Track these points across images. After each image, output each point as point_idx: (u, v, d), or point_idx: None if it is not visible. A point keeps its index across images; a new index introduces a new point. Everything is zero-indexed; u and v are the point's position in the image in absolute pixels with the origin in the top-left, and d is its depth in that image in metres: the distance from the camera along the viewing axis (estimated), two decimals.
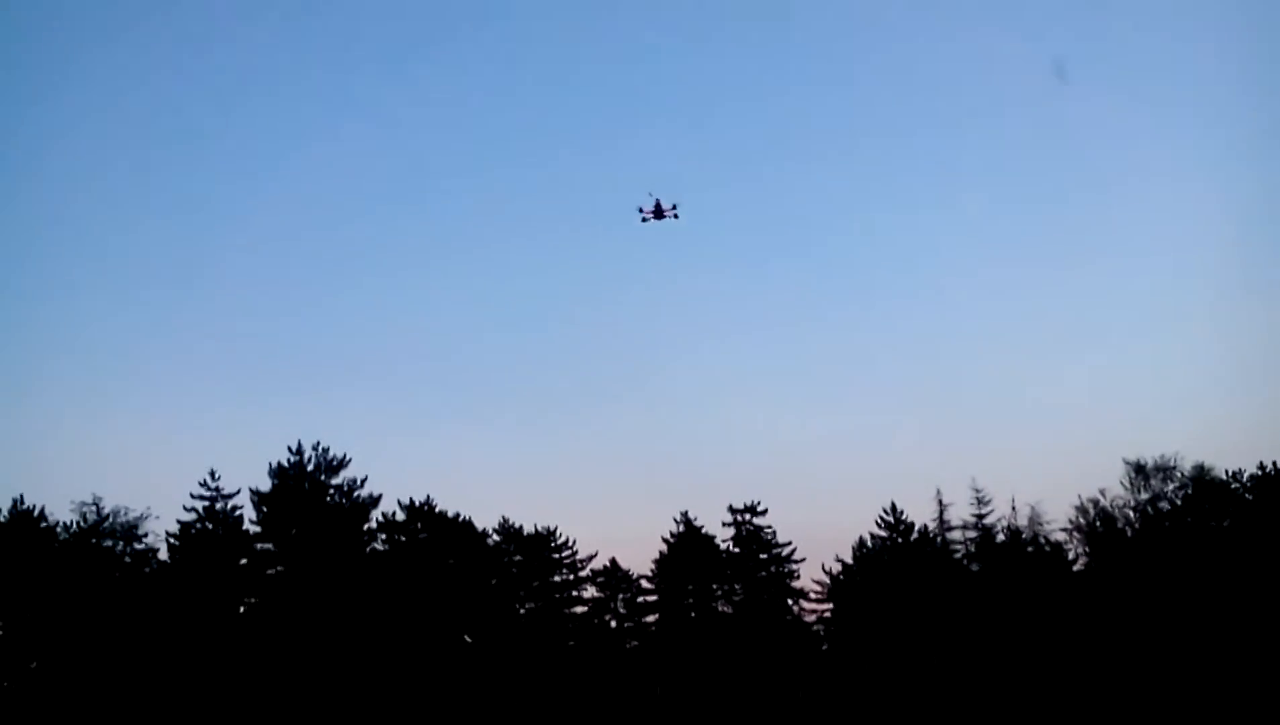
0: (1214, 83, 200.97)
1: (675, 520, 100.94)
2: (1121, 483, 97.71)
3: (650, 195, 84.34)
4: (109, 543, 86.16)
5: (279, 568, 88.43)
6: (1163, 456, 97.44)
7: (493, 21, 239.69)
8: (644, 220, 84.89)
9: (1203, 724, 78.13)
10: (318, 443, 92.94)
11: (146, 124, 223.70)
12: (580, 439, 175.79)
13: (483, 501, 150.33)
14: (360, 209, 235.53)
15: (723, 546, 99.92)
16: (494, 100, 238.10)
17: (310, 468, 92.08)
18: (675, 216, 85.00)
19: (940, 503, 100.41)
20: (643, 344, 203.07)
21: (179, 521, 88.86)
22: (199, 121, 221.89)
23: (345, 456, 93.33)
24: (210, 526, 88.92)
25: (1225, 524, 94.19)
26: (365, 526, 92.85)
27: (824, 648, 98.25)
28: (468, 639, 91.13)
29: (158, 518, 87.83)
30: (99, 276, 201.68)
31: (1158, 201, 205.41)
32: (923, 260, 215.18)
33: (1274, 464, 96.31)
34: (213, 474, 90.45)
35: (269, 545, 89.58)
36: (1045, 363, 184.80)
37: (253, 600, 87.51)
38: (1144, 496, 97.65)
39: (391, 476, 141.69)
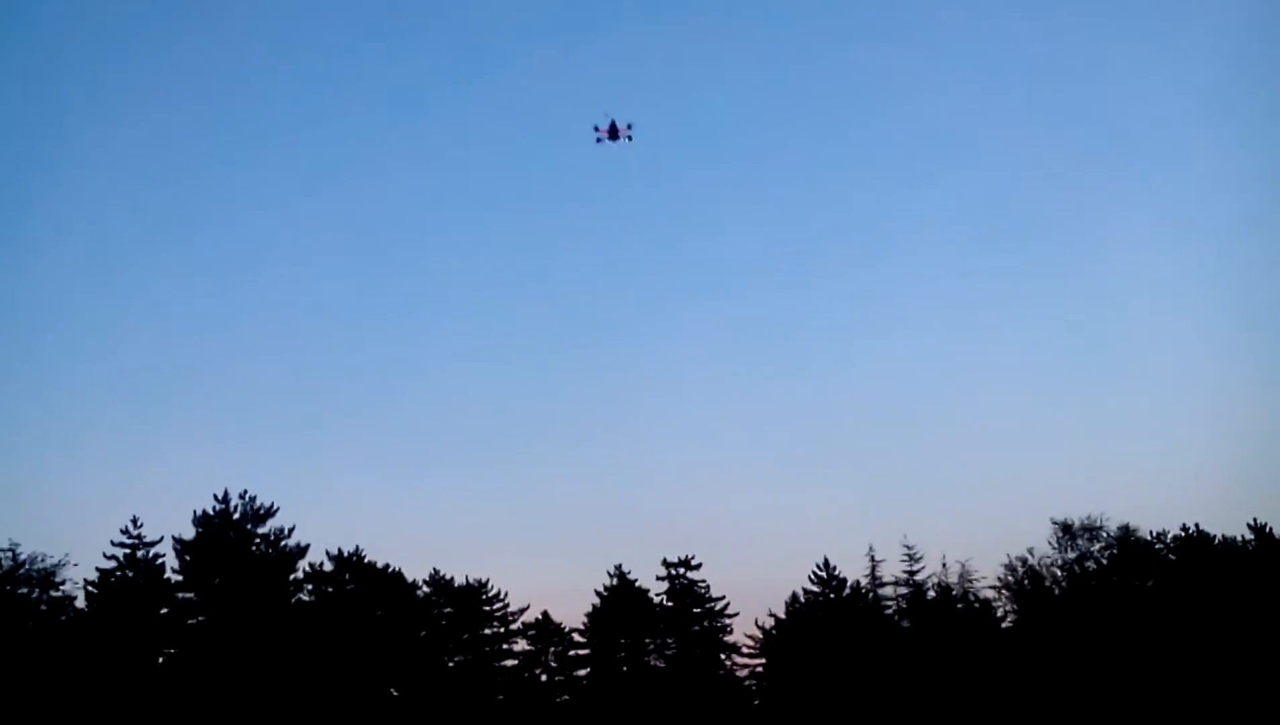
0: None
1: (609, 574, 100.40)
2: (1049, 542, 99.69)
3: (606, 115, 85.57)
4: (24, 590, 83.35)
5: (201, 617, 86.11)
6: (1089, 517, 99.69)
7: None
8: (599, 140, 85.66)
9: None
10: (244, 491, 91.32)
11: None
12: (514, 491, 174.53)
13: (415, 553, 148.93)
14: (297, 258, 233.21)
15: (656, 600, 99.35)
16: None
17: (236, 516, 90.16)
18: (629, 138, 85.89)
19: (872, 559, 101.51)
20: (578, 399, 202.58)
21: (98, 569, 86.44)
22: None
23: (273, 505, 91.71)
24: (131, 574, 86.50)
25: (1150, 584, 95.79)
26: (292, 576, 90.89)
27: (756, 703, 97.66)
28: (394, 692, 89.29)
29: (76, 565, 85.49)
30: (16, 317, 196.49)
31: (1084, 265, 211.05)
32: (858, 323, 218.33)
33: (1196, 526, 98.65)
34: (134, 521, 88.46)
35: (191, 594, 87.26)
36: (975, 422, 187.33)
37: (173, 650, 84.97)
38: (1071, 555, 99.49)
39: (321, 526, 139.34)
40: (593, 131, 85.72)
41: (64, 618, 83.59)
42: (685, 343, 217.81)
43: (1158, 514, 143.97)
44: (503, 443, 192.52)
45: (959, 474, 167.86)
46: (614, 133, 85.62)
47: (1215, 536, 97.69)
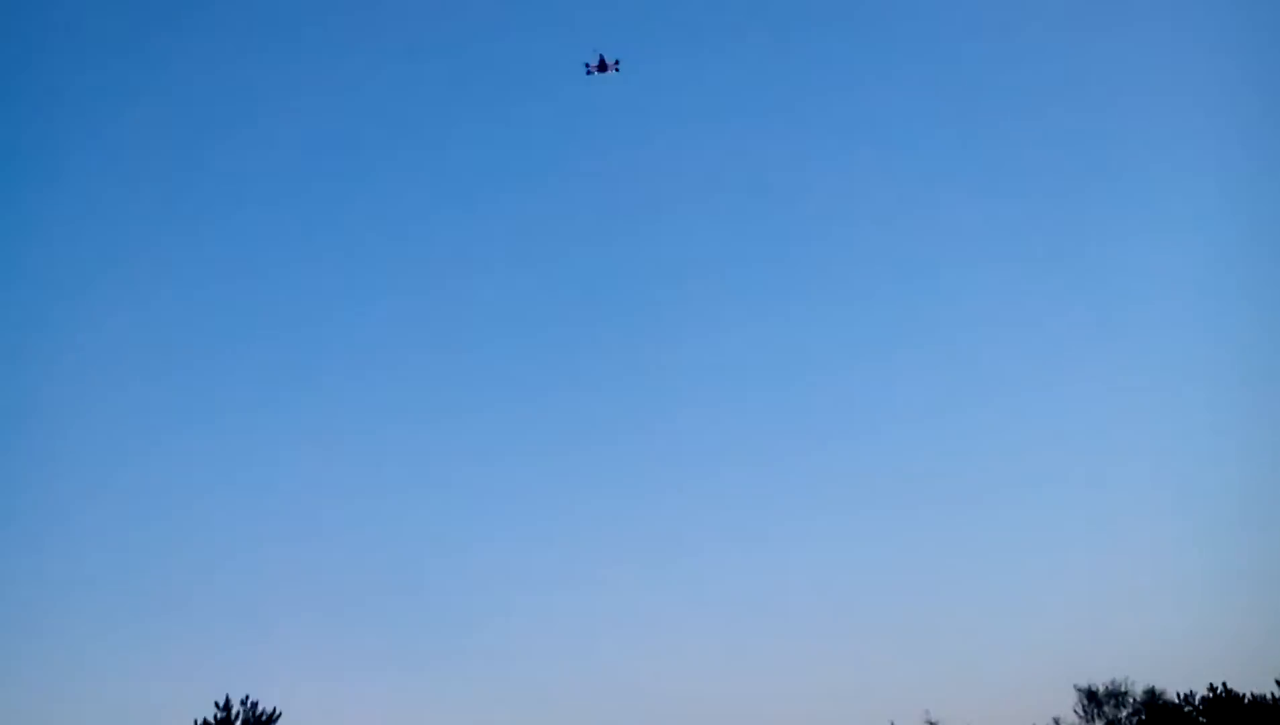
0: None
1: None
2: (1075, 710, 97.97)
3: (595, 51, 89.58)
4: None
5: None
6: (1114, 681, 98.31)
7: None
8: (589, 73, 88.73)
9: None
10: (246, 696, 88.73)
11: None
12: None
13: None
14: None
15: None
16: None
17: (238, 723, 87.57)
18: (617, 70, 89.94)
19: None
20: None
21: None
22: None
23: (275, 711, 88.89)
24: None
25: None
26: None
27: None
28: None
29: None
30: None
31: (1095, 424, 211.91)
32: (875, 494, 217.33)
33: (1223, 685, 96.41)
34: None
35: None
36: (992, 591, 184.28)
37: None
38: (1099, 723, 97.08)
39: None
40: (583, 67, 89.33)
41: None
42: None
43: (1184, 675, 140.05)
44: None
45: (979, 644, 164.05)
46: (603, 66, 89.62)
47: (1244, 695, 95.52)
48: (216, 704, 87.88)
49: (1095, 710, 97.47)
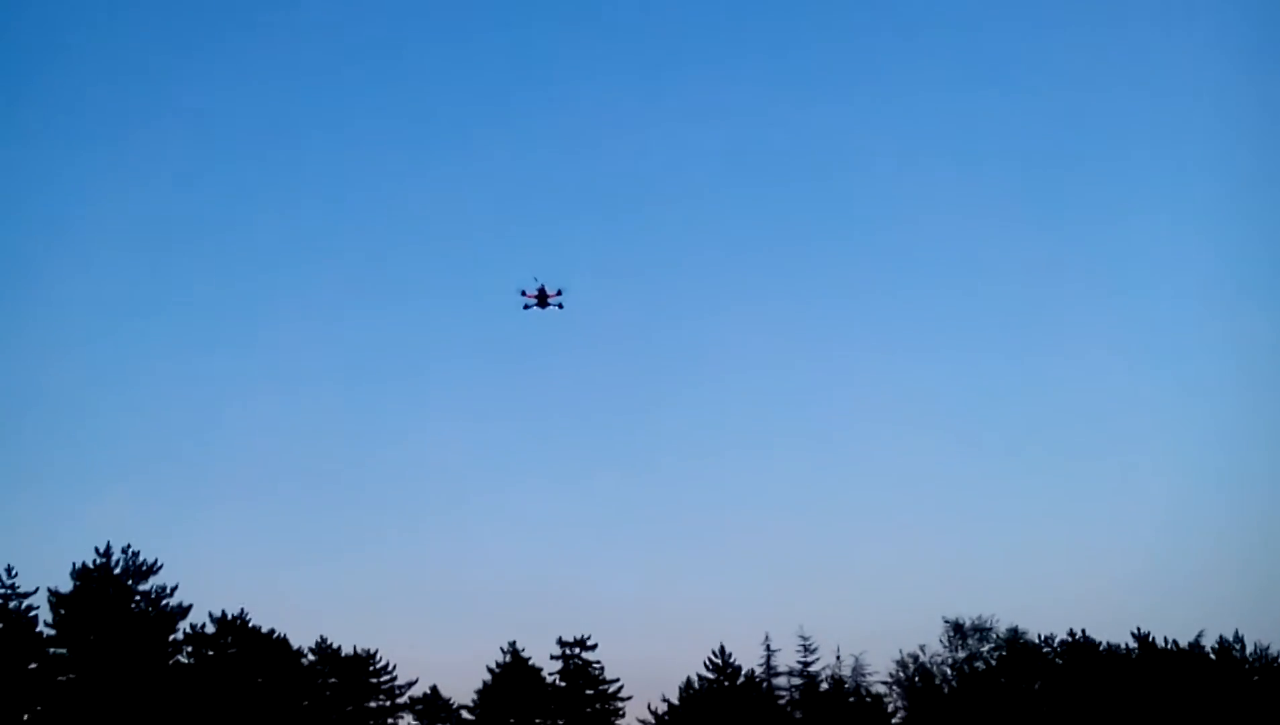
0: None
1: (502, 650, 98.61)
2: (941, 640, 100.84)
3: (535, 279, 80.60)
4: None
5: (72, 675, 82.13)
6: (980, 617, 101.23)
7: None
8: (526, 306, 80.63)
9: None
10: (127, 546, 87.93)
11: None
12: (407, 561, 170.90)
13: (301, 620, 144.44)
14: (189, 302, 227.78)
15: (549, 679, 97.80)
16: None
17: (117, 571, 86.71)
18: (559, 306, 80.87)
19: (768, 648, 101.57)
20: (470, 468, 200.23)
21: None
22: None
23: (156, 562, 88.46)
24: (0, 625, 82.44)
25: (1036, 686, 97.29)
26: (171, 637, 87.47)
27: None
28: None
29: None
30: None
31: (969, 369, 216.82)
32: (765, 406, 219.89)
33: (1083, 632, 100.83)
34: (9, 570, 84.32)
35: (63, 650, 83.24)
36: (875, 516, 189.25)
37: (39, 708, 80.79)
38: (961, 655, 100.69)
39: (204, 588, 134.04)
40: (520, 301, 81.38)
41: None
42: (586, 418, 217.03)
43: (1047, 617, 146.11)
44: (395, 510, 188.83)
45: (856, 567, 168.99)
46: (543, 299, 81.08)
47: (1101, 643, 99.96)
48: (96, 549, 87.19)
49: (960, 642, 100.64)
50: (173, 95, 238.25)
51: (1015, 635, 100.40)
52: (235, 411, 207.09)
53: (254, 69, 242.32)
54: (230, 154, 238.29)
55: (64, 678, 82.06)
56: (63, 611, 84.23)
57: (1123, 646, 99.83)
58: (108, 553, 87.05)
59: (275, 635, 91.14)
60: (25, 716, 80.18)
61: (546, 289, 79.62)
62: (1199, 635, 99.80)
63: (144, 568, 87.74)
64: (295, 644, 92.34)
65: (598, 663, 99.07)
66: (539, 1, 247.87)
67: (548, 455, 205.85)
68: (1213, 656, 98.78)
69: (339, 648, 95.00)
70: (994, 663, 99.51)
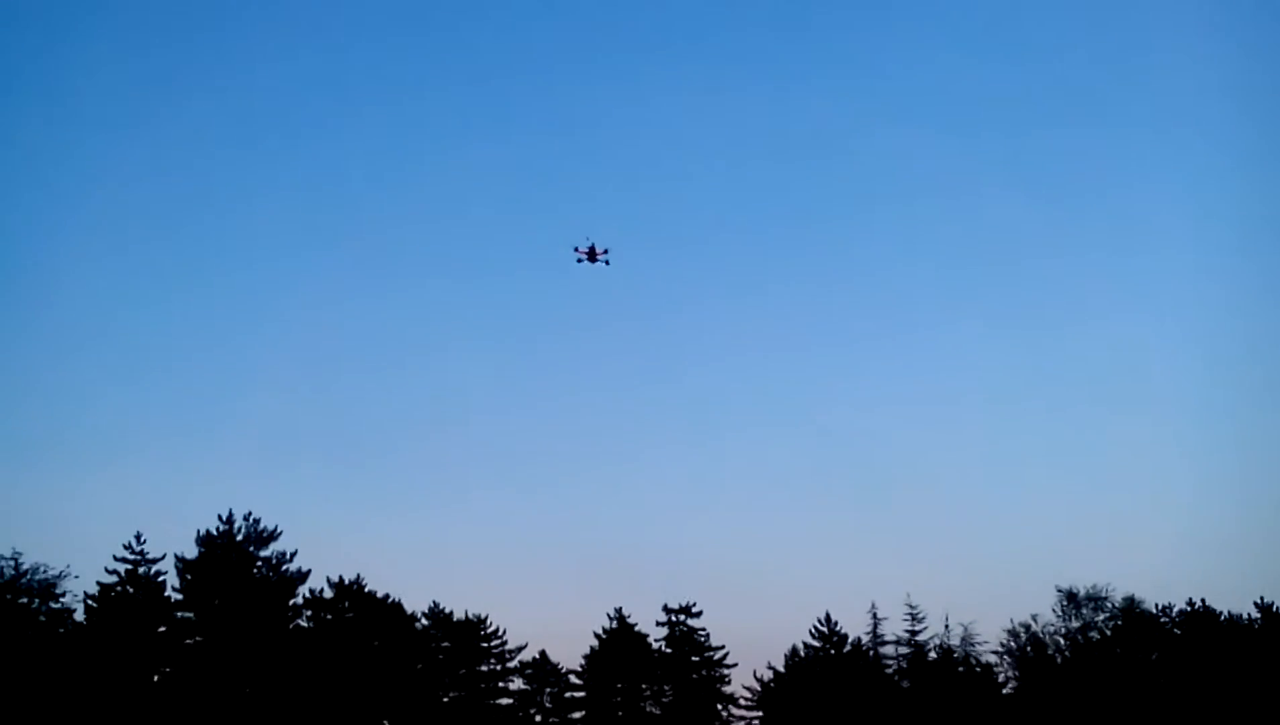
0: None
1: (609, 616, 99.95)
2: (1054, 610, 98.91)
3: (586, 238, 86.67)
4: (25, 599, 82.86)
5: (199, 638, 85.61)
6: (1095, 586, 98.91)
7: None
8: (579, 260, 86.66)
9: None
10: (249, 513, 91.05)
11: None
12: (517, 528, 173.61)
13: (416, 585, 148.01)
14: (290, 282, 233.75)
15: (655, 646, 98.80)
16: None
17: (239, 538, 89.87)
18: (606, 262, 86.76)
19: (874, 617, 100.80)
20: (584, 437, 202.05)
21: (99, 583, 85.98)
22: None
23: (276, 528, 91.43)
24: (131, 590, 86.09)
25: (1153, 658, 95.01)
26: (291, 602, 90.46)
27: None
28: (387, 724, 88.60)
29: (77, 577, 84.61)
30: (28, 327, 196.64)
31: (1102, 328, 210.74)
32: (875, 376, 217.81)
33: (1202, 601, 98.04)
34: (138, 537, 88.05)
35: (190, 614, 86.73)
36: (985, 484, 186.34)
37: (169, 669, 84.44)
38: (1075, 624, 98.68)
39: (323, 553, 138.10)
40: (573, 252, 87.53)
41: (62, 629, 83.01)
42: (694, 388, 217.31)
43: (1165, 587, 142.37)
44: (503, 477, 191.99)
45: (967, 536, 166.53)
46: (592, 255, 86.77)
47: (1221, 613, 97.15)
48: (219, 517, 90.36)
49: (1074, 611, 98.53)
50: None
51: (1132, 604, 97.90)
52: (342, 376, 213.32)
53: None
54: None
55: (191, 640, 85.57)
56: (189, 577, 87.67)
57: (1245, 617, 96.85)
58: (230, 520, 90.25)
59: (390, 600, 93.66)
60: (155, 677, 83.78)
61: (596, 247, 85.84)
62: None
63: (264, 534, 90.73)
64: (409, 609, 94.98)
65: (703, 630, 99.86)
66: None
67: (665, 425, 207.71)
68: None
69: (451, 613, 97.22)
70: (1109, 633, 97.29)
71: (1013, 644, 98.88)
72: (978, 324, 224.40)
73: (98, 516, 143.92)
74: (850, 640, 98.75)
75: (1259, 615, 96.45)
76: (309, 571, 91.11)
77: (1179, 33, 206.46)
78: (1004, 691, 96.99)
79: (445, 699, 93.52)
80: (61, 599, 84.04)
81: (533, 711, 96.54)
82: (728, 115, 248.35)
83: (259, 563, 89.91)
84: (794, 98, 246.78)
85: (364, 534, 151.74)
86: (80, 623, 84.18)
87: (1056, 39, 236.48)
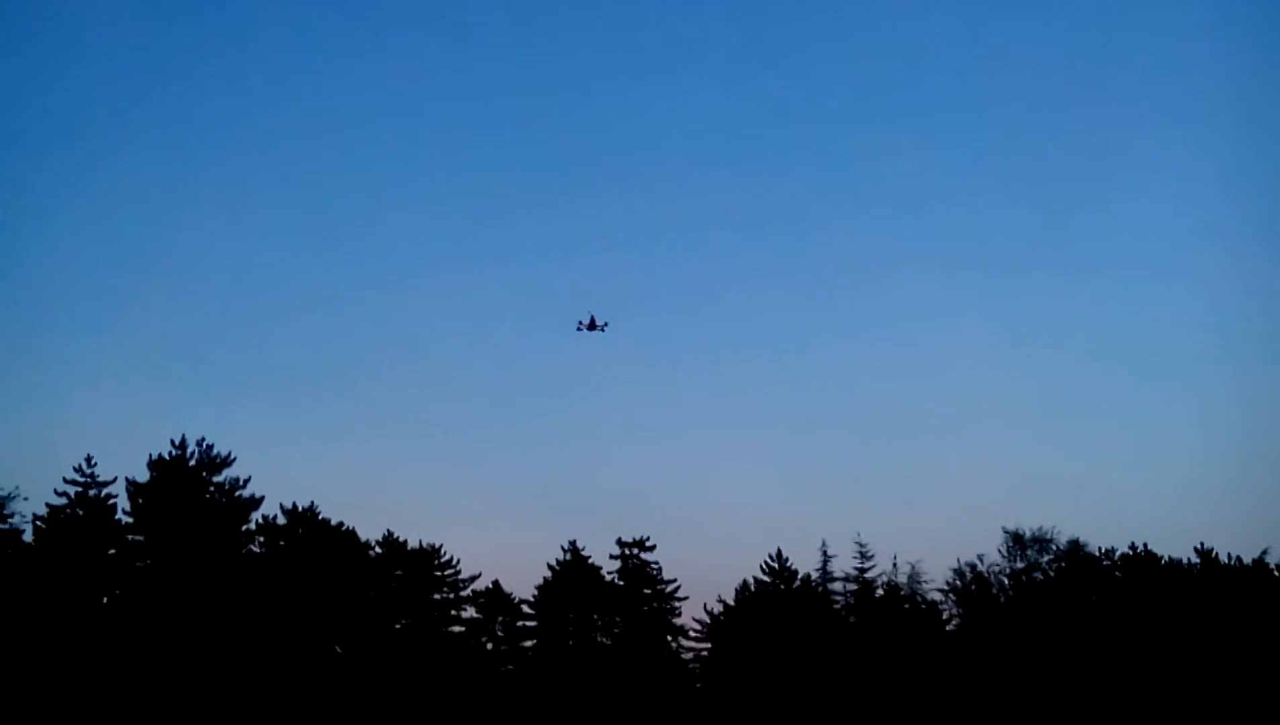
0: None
1: (562, 548, 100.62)
2: (999, 550, 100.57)
3: (587, 312, 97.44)
4: None
5: (149, 561, 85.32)
6: (1040, 528, 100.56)
7: None
8: (579, 329, 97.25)
9: None
10: (202, 438, 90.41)
11: None
12: (473, 461, 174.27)
13: (369, 513, 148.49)
14: (267, 210, 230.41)
15: (608, 578, 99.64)
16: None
17: (192, 463, 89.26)
18: (603, 329, 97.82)
19: (825, 554, 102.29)
20: (541, 372, 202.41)
21: (48, 505, 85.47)
22: None
23: (229, 454, 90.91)
24: (81, 513, 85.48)
25: (1094, 598, 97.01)
26: (244, 527, 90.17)
27: (699, 686, 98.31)
28: (339, 649, 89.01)
29: (26, 499, 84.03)
30: None
31: (1056, 280, 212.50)
32: (830, 323, 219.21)
33: (1144, 546, 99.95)
34: (89, 460, 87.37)
35: (140, 537, 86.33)
36: (936, 428, 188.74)
37: (118, 592, 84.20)
38: (1020, 565, 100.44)
39: (276, 480, 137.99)
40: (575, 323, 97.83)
41: (11, 551, 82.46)
42: (653, 329, 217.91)
43: (1108, 531, 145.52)
44: (463, 411, 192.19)
45: (916, 477, 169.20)
46: (593, 325, 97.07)
47: (1162, 557, 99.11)
48: (171, 441, 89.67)
49: (1019, 552, 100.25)
50: None
51: (1076, 547, 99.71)
52: (304, 307, 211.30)
53: None
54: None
55: (141, 563, 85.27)
56: (140, 501, 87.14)
57: (1185, 561, 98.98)
58: (183, 445, 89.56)
59: (344, 528, 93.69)
60: (105, 599, 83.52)
61: (596, 319, 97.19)
62: (1264, 552, 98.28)
63: (217, 460, 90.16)
64: (363, 537, 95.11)
65: (656, 563, 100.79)
66: None
67: (623, 363, 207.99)
68: (1277, 574, 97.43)
69: (405, 542, 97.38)
70: (1053, 574, 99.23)
71: (958, 583, 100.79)
72: (939, 264, 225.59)
73: (48, 440, 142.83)
74: (800, 576, 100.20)
75: (1198, 560, 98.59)
76: (262, 498, 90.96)
77: None
78: (948, 628, 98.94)
79: (398, 626, 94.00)
80: (10, 520, 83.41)
81: (485, 640, 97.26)
82: None
83: (211, 488, 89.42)
84: None
85: (319, 463, 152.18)
86: (29, 544, 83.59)
87: None
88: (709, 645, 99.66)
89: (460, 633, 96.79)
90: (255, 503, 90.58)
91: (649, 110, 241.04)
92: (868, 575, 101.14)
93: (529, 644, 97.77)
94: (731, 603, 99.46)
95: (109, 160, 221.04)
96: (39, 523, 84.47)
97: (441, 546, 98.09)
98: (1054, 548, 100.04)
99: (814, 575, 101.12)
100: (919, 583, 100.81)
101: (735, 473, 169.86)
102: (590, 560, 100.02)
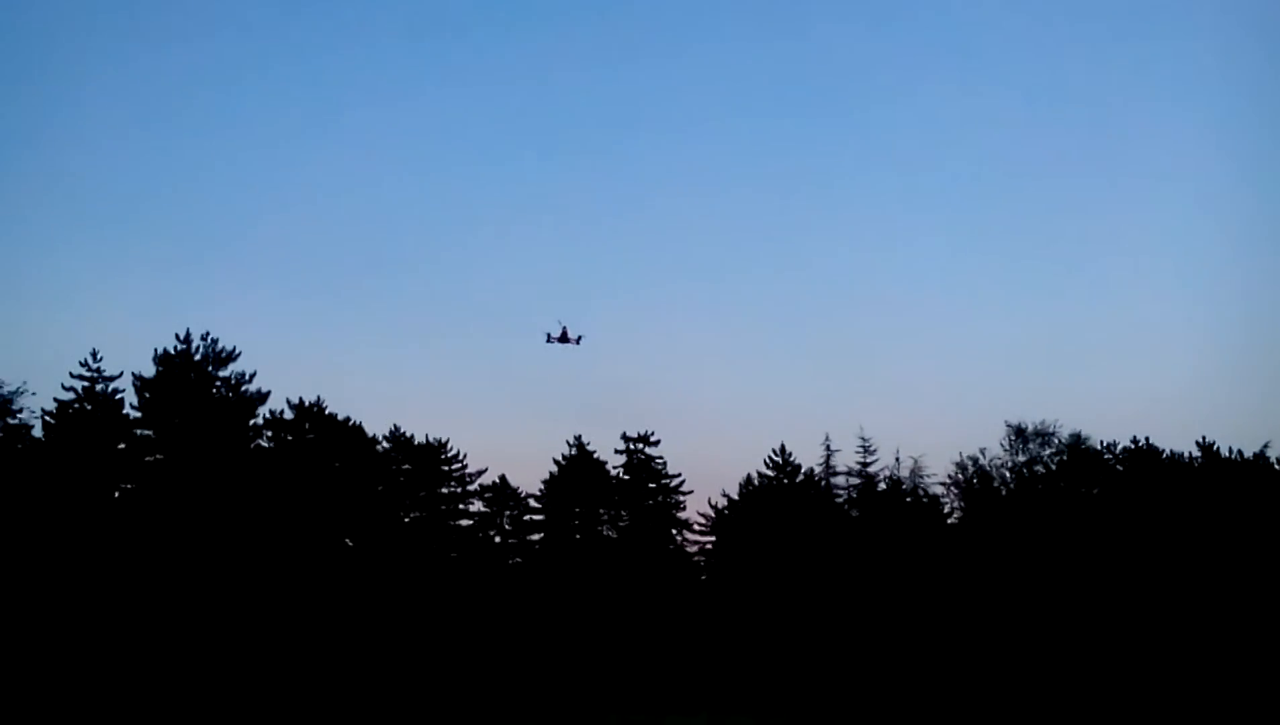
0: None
1: (568, 443, 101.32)
2: (1001, 444, 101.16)
3: (558, 322, 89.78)
4: None
5: (158, 456, 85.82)
6: (1043, 422, 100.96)
7: None
8: (548, 341, 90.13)
9: (1055, 676, 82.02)
10: (207, 333, 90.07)
11: None
12: (480, 355, 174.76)
13: (376, 408, 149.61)
14: (261, 109, 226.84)
15: (613, 473, 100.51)
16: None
17: (198, 357, 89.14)
18: (577, 343, 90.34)
19: (828, 448, 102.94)
20: (546, 269, 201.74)
21: (56, 400, 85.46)
22: None
23: (235, 349, 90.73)
24: (89, 408, 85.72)
25: (1095, 492, 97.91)
26: (251, 422, 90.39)
27: (703, 578, 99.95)
28: (349, 543, 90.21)
29: (34, 394, 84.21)
30: None
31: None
32: (831, 220, 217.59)
33: (1146, 439, 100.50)
34: (95, 354, 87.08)
35: (149, 432, 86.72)
36: (939, 323, 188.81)
37: (128, 486, 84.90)
38: (1021, 459, 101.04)
39: (284, 375, 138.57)
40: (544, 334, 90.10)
41: (19, 446, 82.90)
42: (655, 226, 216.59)
43: (1111, 425, 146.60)
44: (468, 308, 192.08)
45: (919, 371, 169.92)
46: (564, 337, 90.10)
47: (1164, 451, 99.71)
48: (177, 336, 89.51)
49: (1021, 446, 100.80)
50: None
51: (1078, 441, 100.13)
52: (306, 197, 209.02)
53: None
54: None
55: (150, 458, 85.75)
56: (147, 395, 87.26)
57: (1186, 456, 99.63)
58: (188, 339, 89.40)
59: (351, 423, 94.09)
60: (115, 493, 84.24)
61: (568, 331, 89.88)
62: (1265, 446, 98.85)
63: (223, 355, 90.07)
64: (370, 432, 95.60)
65: (660, 458, 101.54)
66: None
67: (627, 259, 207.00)
68: (1278, 467, 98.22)
69: (412, 436, 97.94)
70: (1054, 468, 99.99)
71: (960, 476, 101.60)
72: (946, 161, 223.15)
73: (53, 336, 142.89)
74: (803, 471, 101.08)
75: (1200, 454, 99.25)
76: (269, 393, 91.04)
77: None
78: (949, 522, 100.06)
79: (406, 519, 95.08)
80: (19, 415, 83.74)
81: (492, 533, 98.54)
82: None
83: (218, 382, 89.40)
84: None
85: (326, 358, 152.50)
86: (38, 439, 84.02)
87: None
88: (713, 538, 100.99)
89: (468, 526, 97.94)
90: (262, 398, 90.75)
91: None
92: (870, 470, 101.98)
93: (536, 537, 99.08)
94: (735, 497, 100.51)
95: (117, 48, 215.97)
96: (47, 418, 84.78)
97: (448, 441, 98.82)
98: (1056, 441, 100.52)
99: (817, 470, 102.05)
100: (921, 477, 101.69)
101: (739, 367, 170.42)
102: (596, 455, 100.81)
